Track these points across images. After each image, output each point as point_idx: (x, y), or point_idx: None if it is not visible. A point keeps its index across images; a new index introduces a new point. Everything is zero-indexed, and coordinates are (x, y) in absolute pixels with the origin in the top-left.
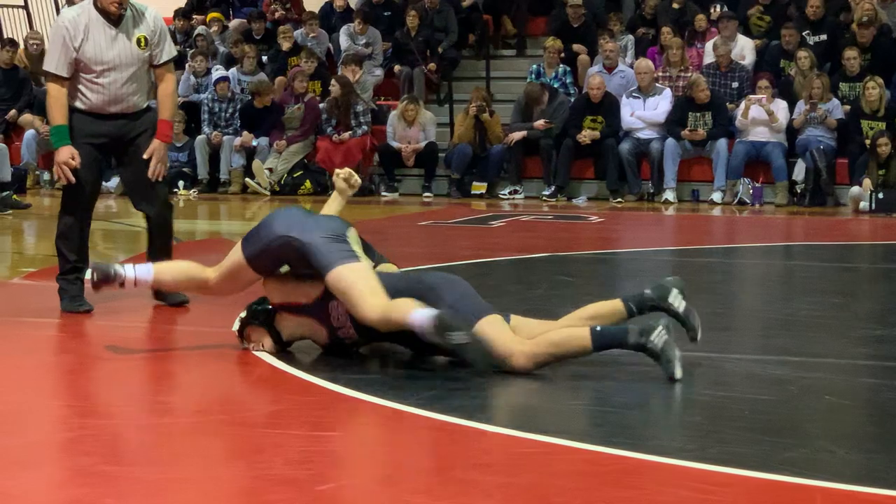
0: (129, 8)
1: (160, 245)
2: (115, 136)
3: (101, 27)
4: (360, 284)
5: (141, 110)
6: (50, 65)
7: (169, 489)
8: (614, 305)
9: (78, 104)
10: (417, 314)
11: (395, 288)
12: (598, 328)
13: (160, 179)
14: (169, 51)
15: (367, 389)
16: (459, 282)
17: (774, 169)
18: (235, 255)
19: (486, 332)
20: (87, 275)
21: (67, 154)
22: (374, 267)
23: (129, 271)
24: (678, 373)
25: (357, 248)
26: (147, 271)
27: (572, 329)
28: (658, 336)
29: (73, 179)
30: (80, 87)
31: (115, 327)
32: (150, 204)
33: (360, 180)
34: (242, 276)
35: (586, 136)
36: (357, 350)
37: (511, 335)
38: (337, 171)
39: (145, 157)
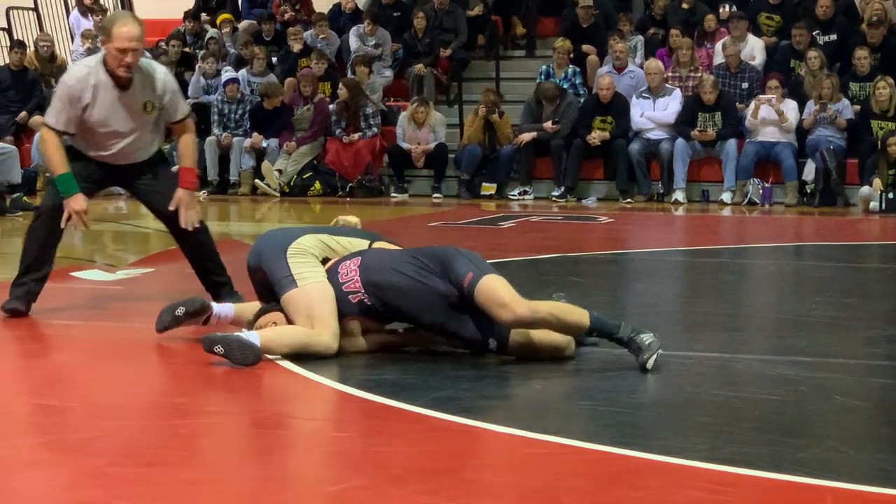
0: (138, 70)
1: (209, 266)
2: (118, 176)
3: (109, 90)
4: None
5: (149, 157)
6: (51, 119)
7: (180, 490)
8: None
9: (80, 149)
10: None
11: (398, 262)
12: (596, 313)
13: (196, 226)
14: (182, 109)
15: (377, 390)
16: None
17: (784, 169)
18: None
19: (489, 284)
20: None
21: (82, 203)
22: (371, 244)
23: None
24: (650, 363)
25: (301, 263)
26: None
27: (574, 307)
28: (649, 337)
29: (88, 227)
30: (85, 138)
31: (126, 328)
32: (186, 236)
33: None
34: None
35: (596, 136)
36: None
37: (513, 292)
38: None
39: (171, 208)
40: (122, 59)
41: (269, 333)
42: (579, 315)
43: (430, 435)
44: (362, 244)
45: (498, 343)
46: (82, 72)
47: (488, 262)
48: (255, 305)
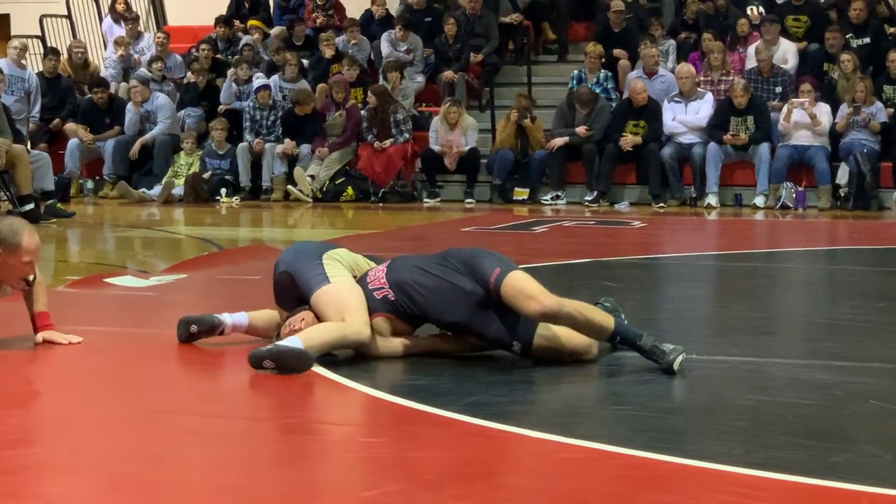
0: None
1: None
2: None
3: None
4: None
5: None
6: None
7: (211, 496)
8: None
9: None
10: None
11: (424, 262)
12: (620, 320)
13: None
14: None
15: (410, 396)
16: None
17: (818, 173)
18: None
19: (517, 278)
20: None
21: None
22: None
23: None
24: (677, 363)
25: (335, 267)
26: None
27: (601, 310)
28: (671, 346)
29: None
30: None
31: (157, 335)
32: None
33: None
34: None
35: (628, 142)
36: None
37: (541, 287)
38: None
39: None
40: (27, 271)
41: (307, 334)
42: (604, 318)
43: (464, 440)
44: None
45: (522, 346)
46: None
47: (519, 266)
48: (268, 314)
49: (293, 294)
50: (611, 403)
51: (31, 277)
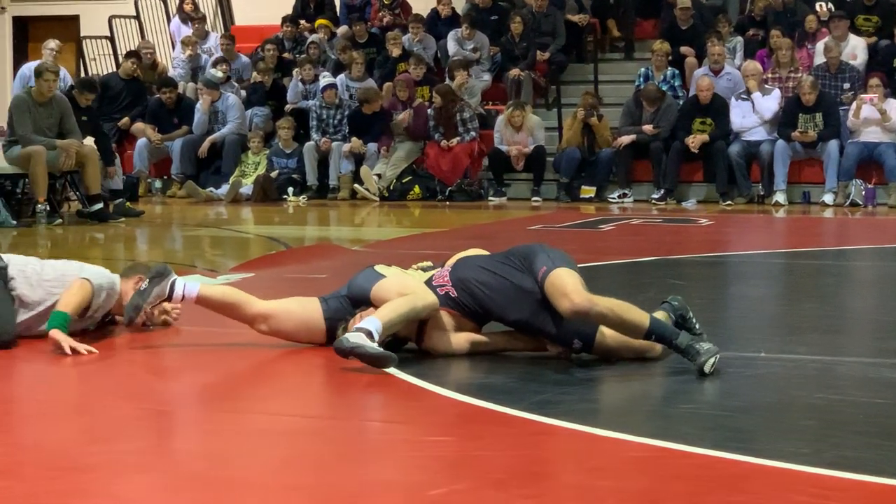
0: None
1: None
2: None
3: None
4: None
5: None
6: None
7: (279, 495)
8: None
9: None
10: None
11: (487, 261)
12: (657, 318)
13: None
14: None
15: (476, 394)
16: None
17: (887, 170)
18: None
19: (558, 275)
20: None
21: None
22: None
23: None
24: (708, 366)
25: (387, 269)
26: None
27: (636, 307)
28: (707, 344)
29: None
30: None
31: (225, 333)
32: None
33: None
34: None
35: (696, 141)
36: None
37: (580, 284)
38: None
39: None
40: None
41: (381, 312)
42: (639, 315)
43: (531, 439)
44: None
45: (583, 343)
46: None
47: (581, 264)
48: (228, 291)
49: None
50: (678, 402)
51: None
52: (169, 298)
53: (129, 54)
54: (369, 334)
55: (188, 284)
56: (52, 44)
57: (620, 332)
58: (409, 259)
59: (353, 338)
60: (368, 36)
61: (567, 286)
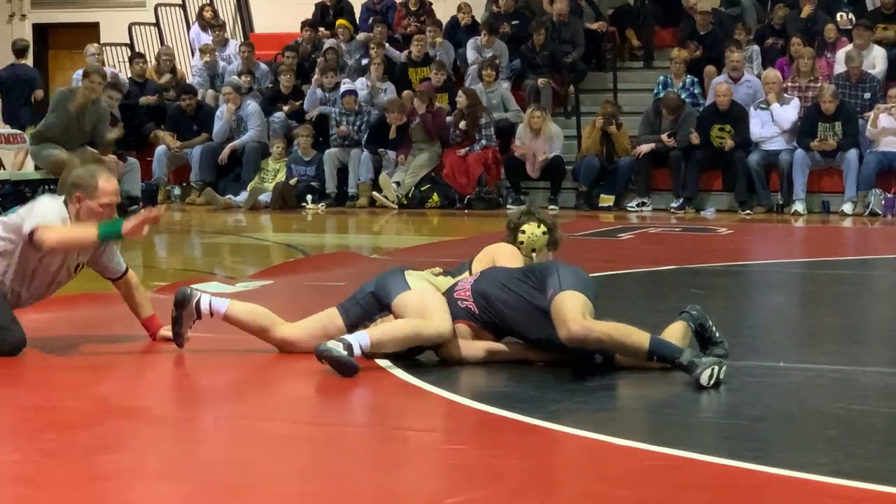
0: None
1: None
2: None
3: None
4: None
5: None
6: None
7: (299, 502)
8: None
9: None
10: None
11: (507, 278)
12: (659, 337)
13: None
14: (119, 262)
15: (494, 402)
16: (571, 266)
17: None
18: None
19: (561, 300)
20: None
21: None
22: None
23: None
24: (704, 377)
25: (415, 277)
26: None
27: (637, 329)
28: (710, 366)
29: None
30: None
31: (243, 340)
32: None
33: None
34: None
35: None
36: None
37: (581, 309)
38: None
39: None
40: (107, 214)
41: (378, 330)
42: (639, 338)
43: (548, 447)
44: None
45: (605, 358)
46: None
47: (600, 273)
48: (257, 310)
49: (368, 315)
50: (696, 411)
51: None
52: (199, 317)
53: (136, 55)
54: (348, 347)
55: (214, 301)
56: (93, 48)
57: (621, 355)
58: (425, 266)
59: (331, 344)
60: (389, 41)
61: (567, 313)
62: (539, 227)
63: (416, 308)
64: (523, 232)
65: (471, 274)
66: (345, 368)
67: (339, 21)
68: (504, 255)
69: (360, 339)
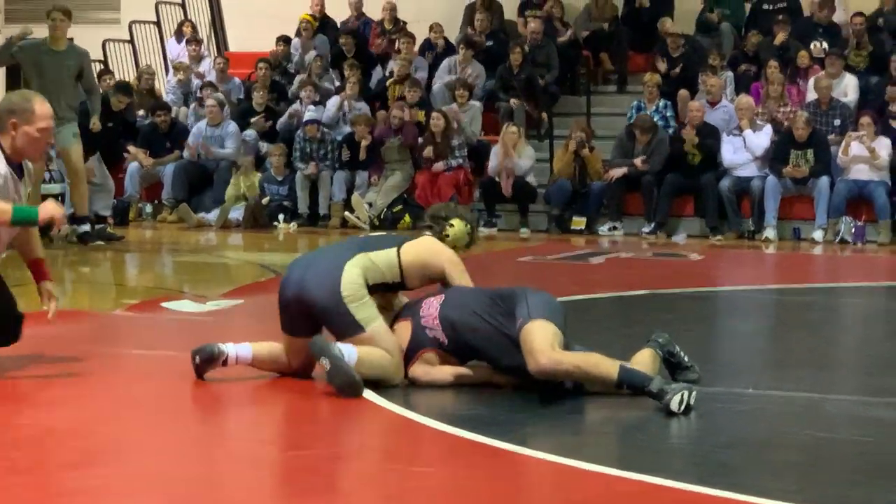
0: None
1: None
2: None
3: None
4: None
5: None
6: None
7: None
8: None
9: None
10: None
11: (477, 303)
12: (628, 366)
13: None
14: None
15: (464, 426)
16: (539, 292)
17: (877, 207)
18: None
19: (529, 331)
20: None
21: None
22: (399, 247)
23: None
24: (674, 402)
25: (361, 303)
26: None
27: (606, 359)
28: (679, 391)
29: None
30: None
31: None
32: None
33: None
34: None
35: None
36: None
37: (550, 340)
38: None
39: (45, 307)
40: (45, 138)
41: (366, 352)
42: (607, 369)
43: (517, 471)
44: (390, 253)
45: (574, 383)
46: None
47: (571, 297)
48: (272, 346)
49: (311, 321)
50: (665, 437)
51: (50, 150)
52: (225, 364)
53: (103, 72)
54: (340, 352)
55: (240, 351)
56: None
57: (589, 385)
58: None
59: (343, 349)
60: (355, 52)
61: (534, 344)
62: (466, 225)
63: (386, 347)
64: (452, 226)
65: (399, 261)
66: (347, 384)
67: (303, 15)
68: (435, 255)
69: (350, 353)
